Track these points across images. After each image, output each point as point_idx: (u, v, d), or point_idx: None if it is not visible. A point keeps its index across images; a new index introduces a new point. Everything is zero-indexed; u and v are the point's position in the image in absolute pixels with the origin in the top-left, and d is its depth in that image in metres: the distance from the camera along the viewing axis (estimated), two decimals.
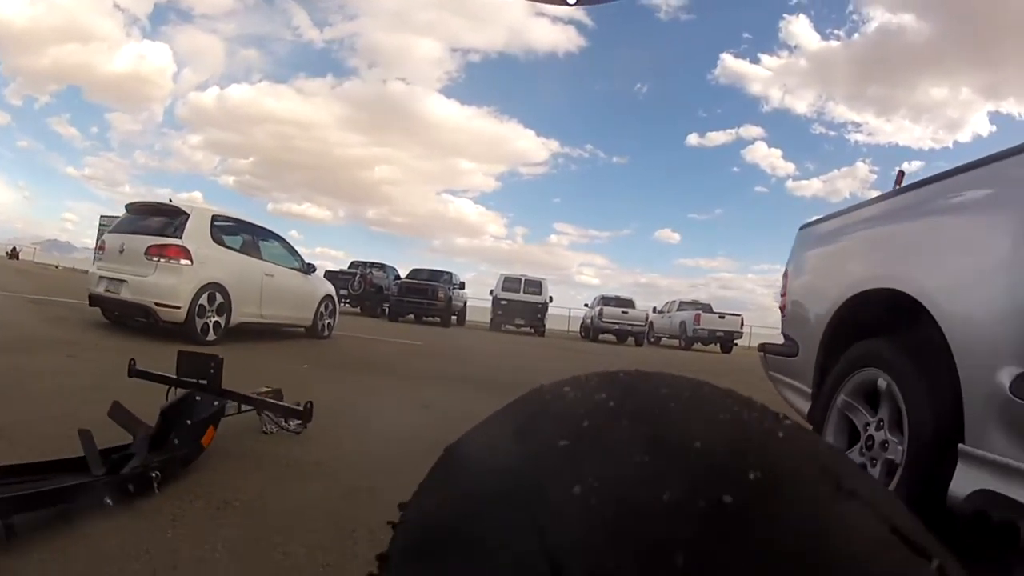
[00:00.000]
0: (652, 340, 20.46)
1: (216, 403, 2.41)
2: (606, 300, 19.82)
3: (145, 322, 6.32)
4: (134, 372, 2.75)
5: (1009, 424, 1.50)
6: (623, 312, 19.12)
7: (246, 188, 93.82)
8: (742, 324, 19.43)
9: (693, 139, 76.86)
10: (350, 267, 19.87)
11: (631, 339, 19.09)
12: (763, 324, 19.87)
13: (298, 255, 8.26)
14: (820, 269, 2.74)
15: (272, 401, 2.75)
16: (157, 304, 6.09)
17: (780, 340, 3.02)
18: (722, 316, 19.26)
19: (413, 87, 76.73)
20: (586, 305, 21.61)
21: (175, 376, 2.58)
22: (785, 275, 3.03)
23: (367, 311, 18.25)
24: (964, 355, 1.67)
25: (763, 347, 3.17)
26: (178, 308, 6.13)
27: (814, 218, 2.98)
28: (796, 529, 0.25)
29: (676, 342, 19.84)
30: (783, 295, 3.00)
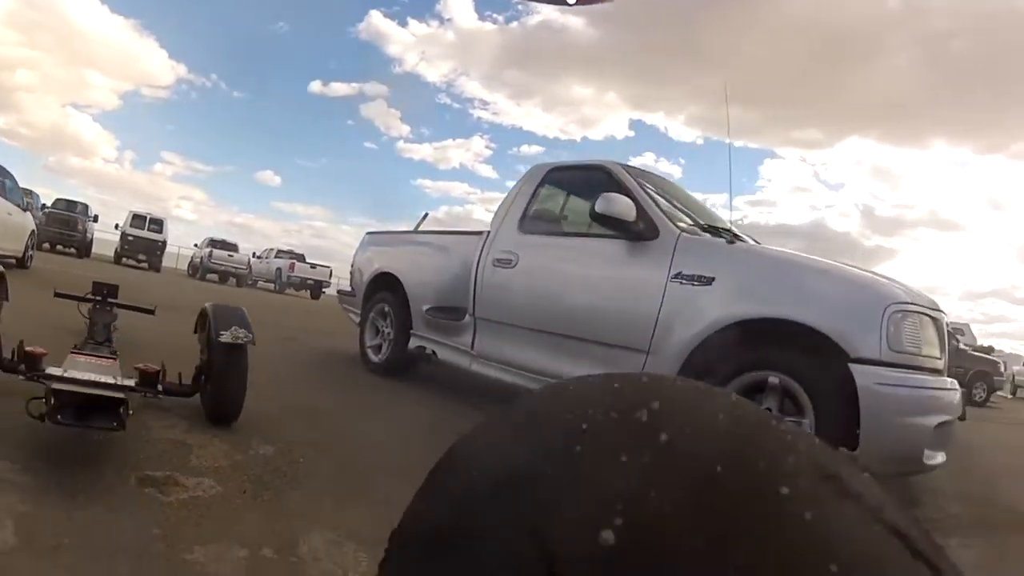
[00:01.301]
0: (251, 283, 22.48)
1: None
2: (214, 243, 22.04)
3: None
4: None
5: (425, 324, 4.33)
6: (229, 255, 21.70)
7: None
8: (331, 275, 22.65)
9: (316, 86, 76.69)
10: None
11: (233, 280, 21.37)
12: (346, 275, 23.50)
13: (19, 190, 9.15)
14: (368, 258, 5.39)
15: None
16: None
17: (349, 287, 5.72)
18: (314, 266, 22.26)
19: None
20: (195, 245, 23.38)
21: None
22: (355, 254, 5.63)
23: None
24: (414, 300, 4.47)
25: (340, 291, 5.88)
26: None
27: (377, 230, 5.66)
28: (796, 530, 0.26)
29: (271, 286, 22.21)
30: (352, 265, 5.60)
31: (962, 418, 3.37)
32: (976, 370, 14.93)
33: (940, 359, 3.02)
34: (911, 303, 2.86)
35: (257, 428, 2.69)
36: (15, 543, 1.47)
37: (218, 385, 2.64)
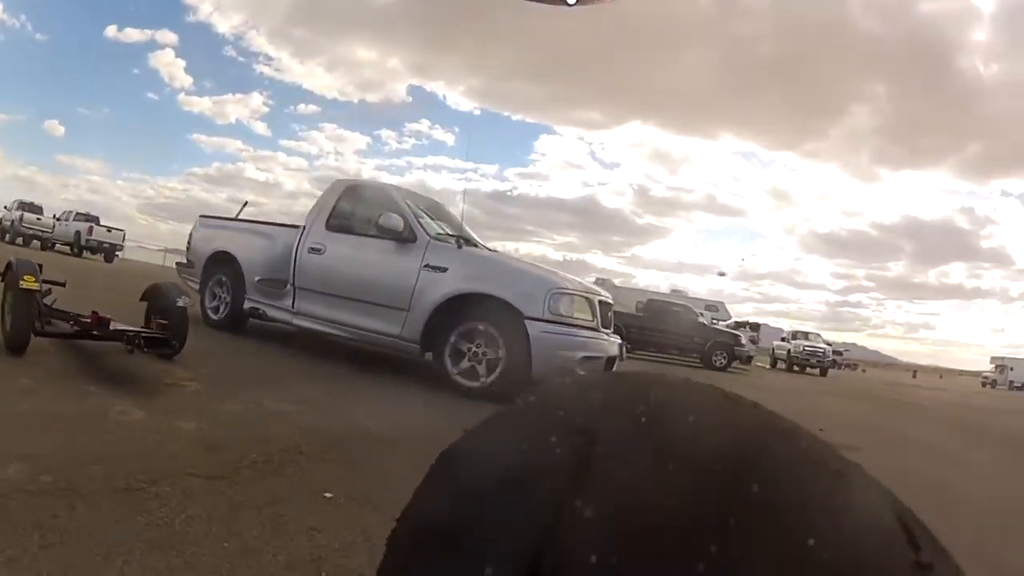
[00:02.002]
0: (50, 246, 22.42)
1: None
2: (23, 206, 22.70)
3: None
4: None
5: (256, 290, 5.93)
6: (37, 219, 22.53)
7: None
8: (124, 238, 24.25)
9: (112, 31, 68.89)
10: None
11: (37, 242, 21.66)
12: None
13: None
14: (205, 238, 6.76)
15: None
16: None
17: (184, 259, 7.01)
18: (109, 230, 23.49)
19: None
20: (5, 208, 23.52)
21: None
22: (192, 234, 6.95)
23: None
24: (247, 273, 6.02)
25: (179, 263, 7.09)
26: None
27: (209, 215, 7.04)
28: (803, 522, 0.26)
29: (69, 248, 22.51)
30: (189, 242, 6.91)
31: (621, 358, 5.69)
32: (715, 341, 17.94)
33: (592, 321, 5.24)
34: (566, 288, 5.09)
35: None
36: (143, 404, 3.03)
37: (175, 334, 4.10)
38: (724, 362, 17.55)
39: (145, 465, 2.14)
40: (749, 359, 20.75)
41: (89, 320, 3.76)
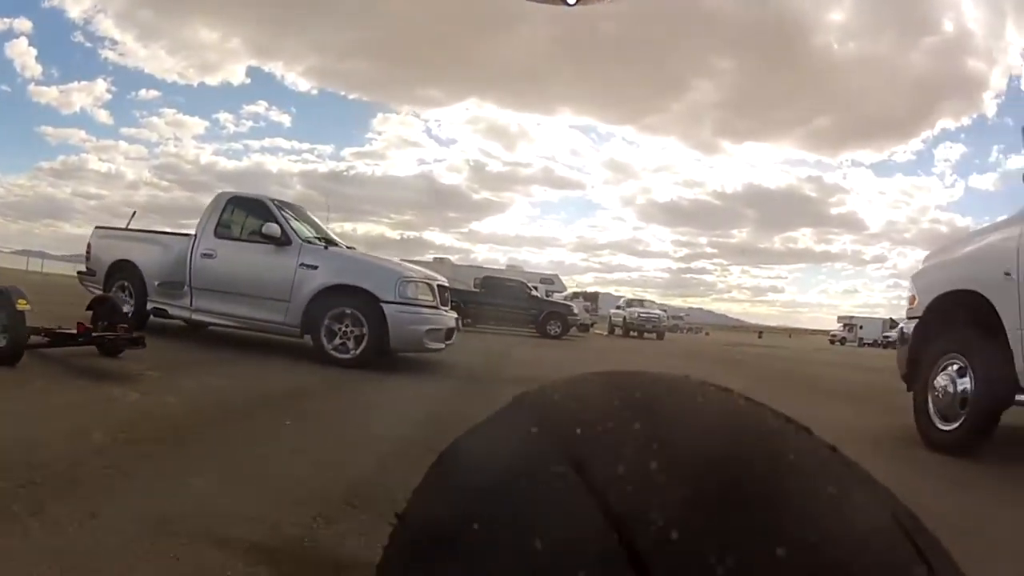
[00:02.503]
0: None
1: None
2: None
3: None
4: None
5: (157, 292, 7.01)
6: None
7: None
8: None
9: None
10: None
11: None
12: None
13: None
14: (106, 248, 7.67)
15: None
16: None
17: (84, 268, 7.89)
18: None
19: None
20: None
21: None
22: (91, 244, 7.82)
23: None
24: (148, 278, 7.07)
25: (80, 272, 7.97)
26: None
27: (105, 226, 7.95)
28: (803, 520, 0.26)
29: None
30: (88, 252, 7.79)
31: (458, 329, 7.34)
32: (548, 312, 19.50)
33: (433, 301, 6.70)
34: (411, 276, 6.54)
35: None
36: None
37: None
38: (559, 331, 19.14)
39: (156, 423, 3.23)
40: (586, 327, 22.40)
41: (76, 331, 4.90)
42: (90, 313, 5.34)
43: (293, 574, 1.74)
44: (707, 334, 53.73)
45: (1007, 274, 3.60)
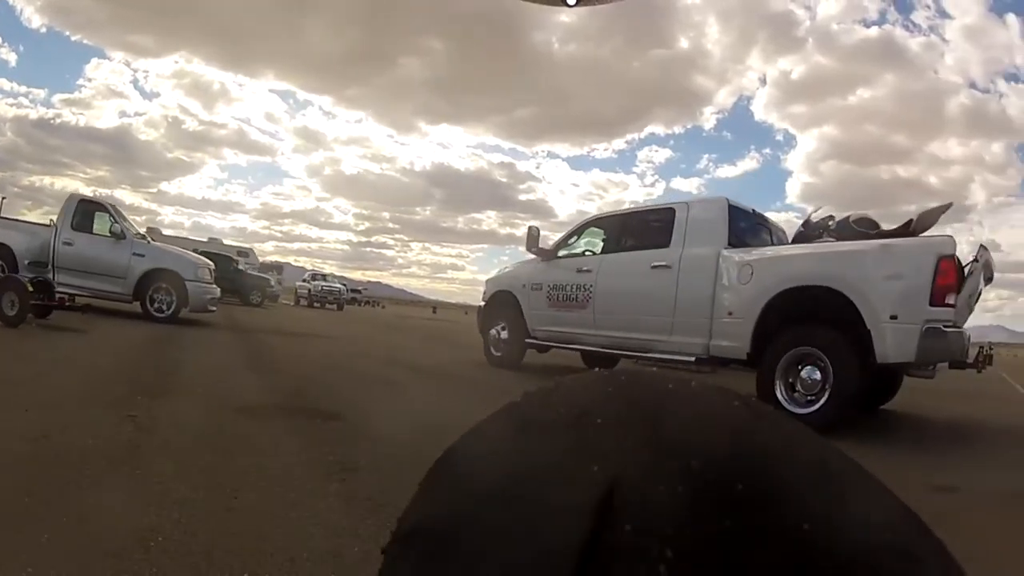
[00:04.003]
0: None
1: None
2: None
3: None
4: None
5: (28, 270, 10.49)
6: None
7: None
8: None
9: None
10: None
11: None
12: None
13: None
14: None
15: None
16: None
17: None
18: None
19: None
20: None
21: None
22: None
23: None
24: (19, 258, 10.47)
25: None
26: None
27: None
28: (794, 530, 0.26)
29: None
30: None
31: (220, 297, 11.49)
32: (252, 284, 22.40)
33: (210, 279, 10.69)
34: (200, 264, 10.51)
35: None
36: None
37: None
38: (259, 300, 22.26)
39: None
40: (276, 297, 25.70)
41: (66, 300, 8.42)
42: None
43: None
44: (383, 307, 57.89)
45: (524, 285, 8.00)
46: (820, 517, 0.27)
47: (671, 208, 6.50)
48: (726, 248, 5.86)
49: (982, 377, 5.80)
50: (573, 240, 7.71)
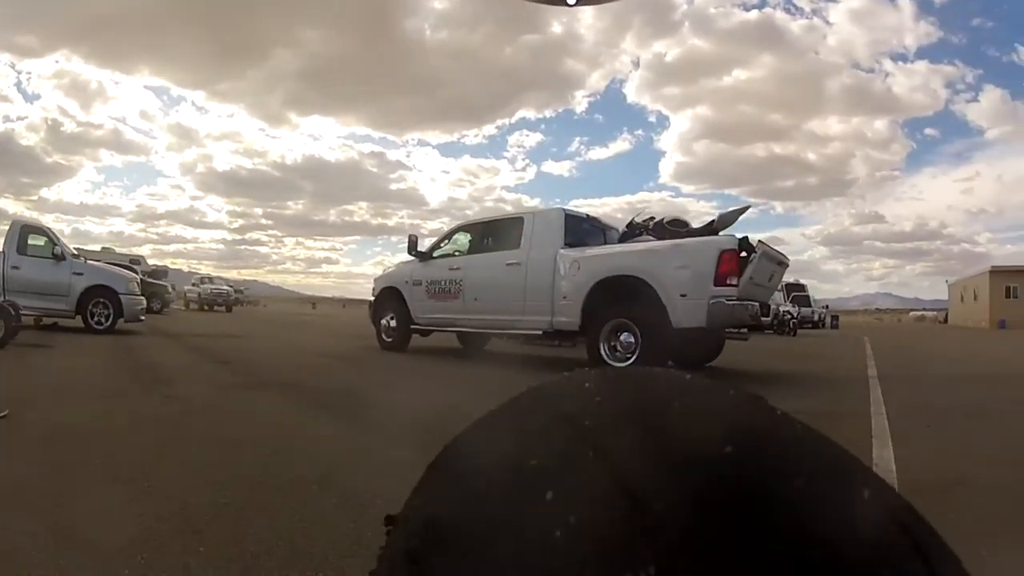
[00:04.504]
0: None
1: None
2: None
3: None
4: None
5: None
6: None
7: None
8: None
9: None
10: None
11: None
12: None
13: None
14: None
15: None
16: None
17: None
18: None
19: None
20: None
21: None
22: None
23: None
24: None
25: None
26: None
27: None
28: (796, 524, 0.26)
29: None
30: None
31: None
32: (151, 292, 22.51)
33: (137, 290, 12.08)
34: (132, 278, 11.99)
35: None
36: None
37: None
38: (159, 307, 23.29)
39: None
40: (171, 302, 26.66)
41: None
42: None
43: None
44: (265, 306, 59.73)
45: (406, 282, 9.87)
46: (819, 514, 0.26)
47: (521, 217, 8.50)
48: (563, 248, 7.71)
49: (844, 340, 7.72)
50: (444, 244, 9.71)
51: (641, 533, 0.25)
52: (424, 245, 9.82)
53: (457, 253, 9.40)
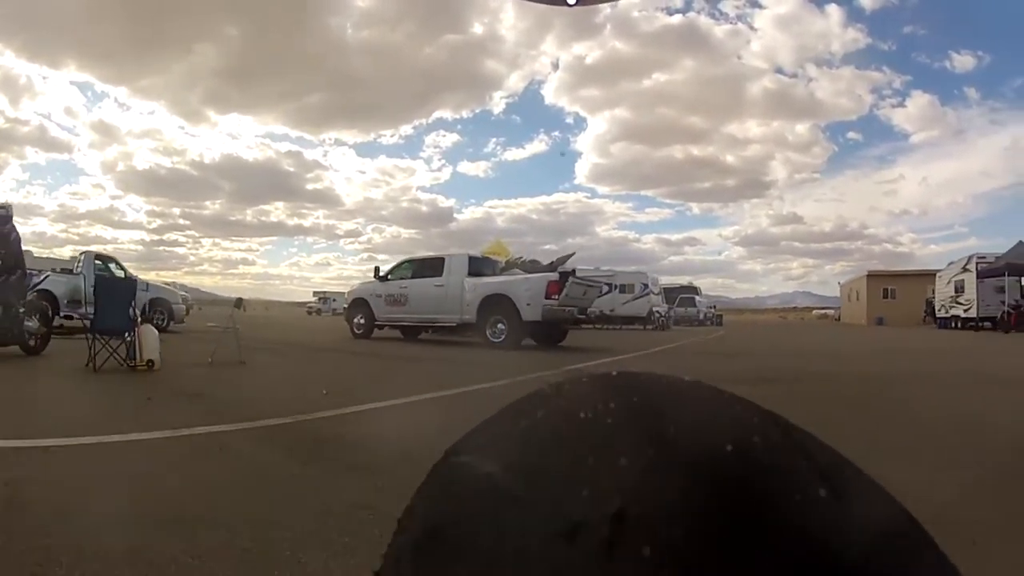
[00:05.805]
0: None
1: None
2: None
3: None
4: None
5: None
6: None
7: None
8: None
9: None
10: None
11: None
12: None
13: None
14: None
15: None
16: None
17: None
18: None
19: None
20: None
21: None
22: None
23: None
24: None
25: None
26: None
27: None
28: (793, 530, 0.26)
29: None
30: None
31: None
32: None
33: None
34: (177, 291, 17.06)
35: None
36: None
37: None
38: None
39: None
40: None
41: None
42: None
43: None
44: (200, 308, 59.94)
45: (371, 294, 15.55)
46: (816, 520, 0.27)
47: (443, 257, 14.51)
48: (467, 277, 13.61)
49: (708, 333, 14.71)
50: (395, 271, 15.30)
51: (643, 538, 0.26)
52: (383, 270, 15.75)
53: (403, 277, 14.90)
